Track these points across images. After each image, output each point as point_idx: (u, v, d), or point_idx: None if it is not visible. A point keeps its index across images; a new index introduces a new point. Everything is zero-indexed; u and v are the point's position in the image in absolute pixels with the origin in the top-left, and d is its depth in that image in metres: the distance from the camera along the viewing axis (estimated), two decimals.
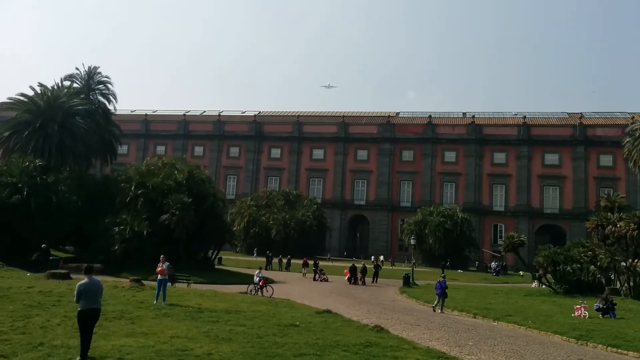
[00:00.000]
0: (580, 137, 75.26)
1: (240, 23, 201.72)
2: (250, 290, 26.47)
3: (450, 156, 79.54)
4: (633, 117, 64.04)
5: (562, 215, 74.23)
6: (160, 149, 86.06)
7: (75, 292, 9.94)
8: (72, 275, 24.69)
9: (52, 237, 34.52)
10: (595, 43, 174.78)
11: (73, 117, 43.02)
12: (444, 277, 25.07)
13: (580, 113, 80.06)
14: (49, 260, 30.12)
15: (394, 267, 57.56)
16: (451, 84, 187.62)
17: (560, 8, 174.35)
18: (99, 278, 11.16)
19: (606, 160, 74.21)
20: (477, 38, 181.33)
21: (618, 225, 37.15)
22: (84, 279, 10.03)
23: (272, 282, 30.94)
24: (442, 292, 23.65)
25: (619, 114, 79.66)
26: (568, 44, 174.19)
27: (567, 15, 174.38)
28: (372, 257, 62.37)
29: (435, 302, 23.98)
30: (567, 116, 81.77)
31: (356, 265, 39.63)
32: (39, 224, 33.30)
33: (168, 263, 20.06)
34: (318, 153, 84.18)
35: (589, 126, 76.42)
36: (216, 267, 40.49)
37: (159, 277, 18.92)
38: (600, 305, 22.80)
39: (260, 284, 26.36)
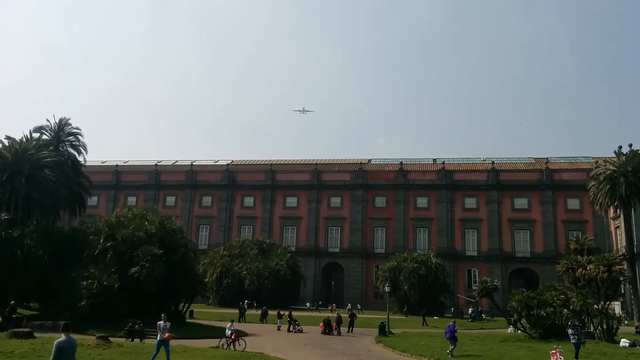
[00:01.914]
0: (547, 181, 77.20)
1: (210, 73, 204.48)
2: (222, 345, 25.72)
3: (422, 202, 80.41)
4: (597, 162, 66.17)
5: (533, 259, 75.08)
6: (131, 200, 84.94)
7: (53, 351, 9.40)
8: (35, 334, 23.68)
9: (16, 293, 33.23)
10: (558, 91, 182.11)
11: (41, 169, 42.35)
12: (454, 321, 24.99)
13: (546, 158, 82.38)
14: (13, 318, 28.93)
15: (371, 315, 56.90)
16: (420, 130, 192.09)
17: (523, 56, 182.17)
18: None
19: (573, 203, 76.03)
20: (443, 85, 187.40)
21: (588, 268, 37.81)
22: (62, 337, 9.59)
23: (245, 334, 30.19)
24: (452, 336, 23.55)
25: (582, 158, 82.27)
26: (531, 91, 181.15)
27: (531, 63, 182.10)
28: (329, 305, 63.87)
29: (450, 349, 23.73)
30: (534, 161, 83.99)
31: (330, 316, 39.15)
32: (2, 280, 32.11)
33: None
34: (291, 201, 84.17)
35: (555, 171, 78.63)
36: (187, 320, 39.38)
37: (159, 337, 18.63)
38: (573, 334, 22.91)
39: (233, 337, 25.69)
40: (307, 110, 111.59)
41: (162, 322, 19.17)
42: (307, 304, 68.54)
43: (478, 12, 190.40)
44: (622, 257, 53.83)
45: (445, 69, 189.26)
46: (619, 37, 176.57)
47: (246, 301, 56.37)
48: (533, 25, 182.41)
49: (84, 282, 32.84)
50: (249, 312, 47.31)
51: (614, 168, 52.52)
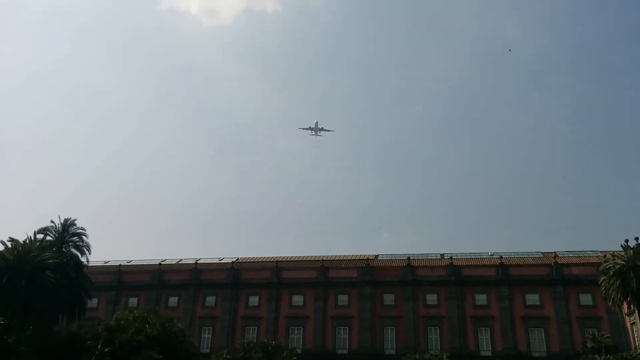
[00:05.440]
0: (558, 276, 75.47)
1: (214, 170, 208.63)
2: None
3: (431, 299, 78.27)
4: (605, 256, 65.25)
5: (550, 359, 71.66)
6: (133, 301, 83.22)
7: None
8: None
9: None
10: (560, 183, 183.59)
11: (42, 271, 42.14)
12: None
13: (554, 252, 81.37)
14: None
15: None
16: (424, 224, 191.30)
17: (525, 148, 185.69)
18: None
19: (586, 299, 73.72)
20: (445, 179, 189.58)
21: None
22: None
23: None
24: None
25: (591, 252, 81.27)
26: (534, 184, 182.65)
27: (533, 156, 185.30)
28: None
29: None
30: (542, 256, 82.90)
31: None
32: None
33: None
34: (297, 299, 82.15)
35: (565, 265, 77.11)
36: None
37: None
38: None
39: None
40: (324, 129, 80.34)
41: None
42: None
43: (476, 104, 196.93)
44: None
45: (447, 162, 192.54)
46: (623, 126, 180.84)
47: None
48: (535, 117, 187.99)
49: None
50: None
51: (622, 262, 51.78)
